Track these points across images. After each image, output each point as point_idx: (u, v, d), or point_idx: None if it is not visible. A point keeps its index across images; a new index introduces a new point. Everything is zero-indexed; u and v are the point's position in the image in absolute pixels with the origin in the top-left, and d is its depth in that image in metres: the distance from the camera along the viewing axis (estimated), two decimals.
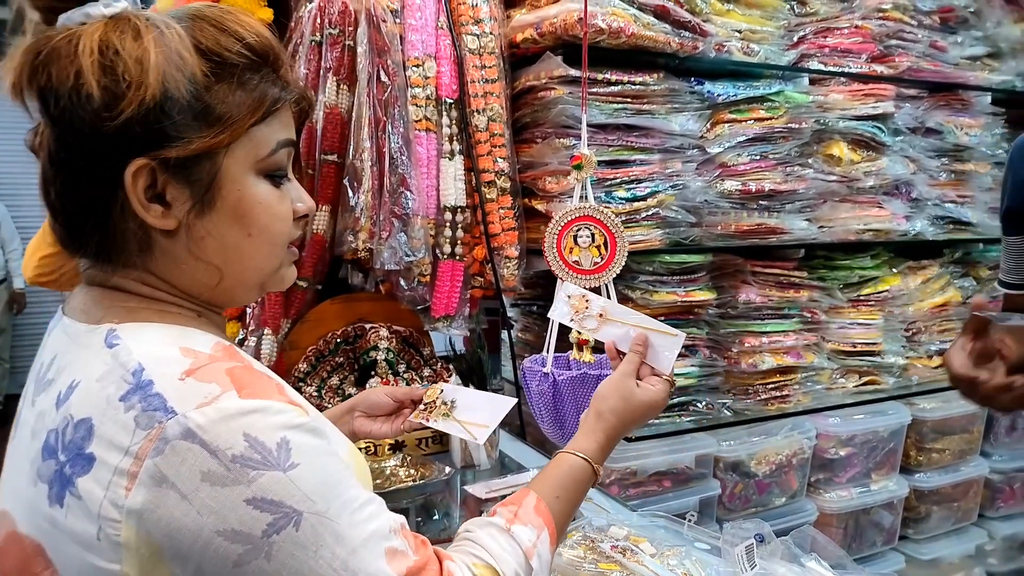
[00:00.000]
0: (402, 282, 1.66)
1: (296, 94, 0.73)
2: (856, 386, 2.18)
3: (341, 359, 1.70)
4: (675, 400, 1.88)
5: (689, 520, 1.22)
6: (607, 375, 1.05)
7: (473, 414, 1.05)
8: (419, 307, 1.74)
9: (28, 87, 0.64)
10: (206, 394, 0.60)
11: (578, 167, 1.16)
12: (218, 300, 0.74)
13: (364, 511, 0.65)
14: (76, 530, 0.60)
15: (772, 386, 2.04)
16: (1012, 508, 2.39)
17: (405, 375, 1.72)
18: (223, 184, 0.68)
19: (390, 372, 1.68)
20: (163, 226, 0.67)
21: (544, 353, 1.40)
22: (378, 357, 1.67)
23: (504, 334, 1.98)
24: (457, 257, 1.71)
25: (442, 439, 1.62)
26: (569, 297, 1.11)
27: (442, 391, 1.09)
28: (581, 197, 1.18)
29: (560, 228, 1.14)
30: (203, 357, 0.64)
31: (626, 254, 1.16)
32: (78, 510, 0.60)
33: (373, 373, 1.67)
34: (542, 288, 2.03)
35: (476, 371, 1.76)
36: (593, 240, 1.14)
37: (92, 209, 0.66)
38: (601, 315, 1.08)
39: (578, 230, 1.14)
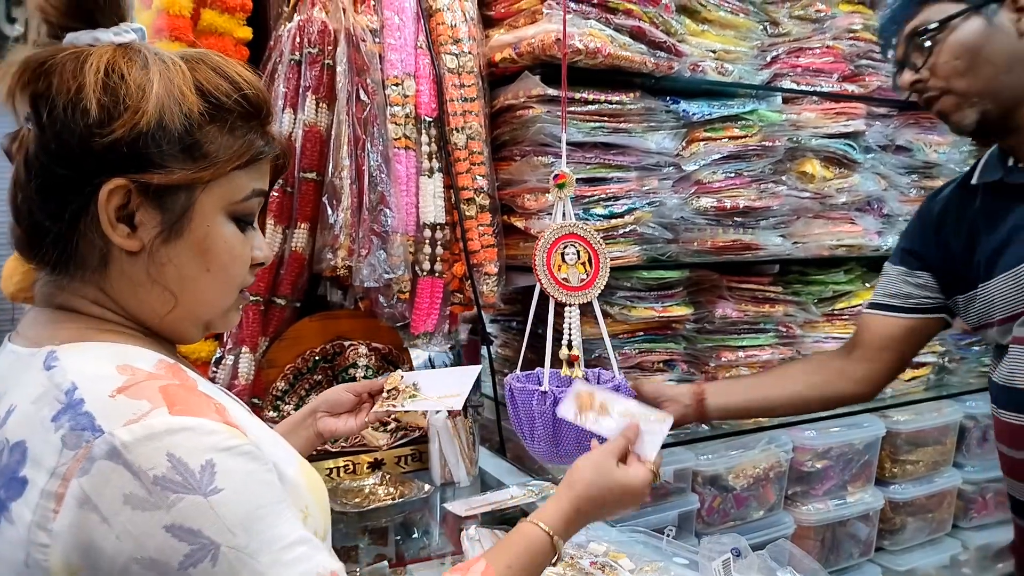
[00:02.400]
0: (382, 299, 1.66)
1: (278, 150, 0.77)
2: None
3: (320, 377, 1.69)
4: None
5: (667, 535, 1.23)
6: (608, 388, 1.05)
7: (440, 389, 1.04)
8: (399, 324, 1.74)
9: (22, 92, 0.66)
10: (135, 411, 0.59)
11: (561, 186, 1.18)
12: (163, 330, 0.74)
13: (291, 552, 0.61)
14: (7, 557, 0.58)
15: None
16: (985, 518, 2.42)
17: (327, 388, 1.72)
18: (194, 217, 0.70)
19: None
20: (127, 247, 0.68)
21: (518, 371, 1.41)
22: (357, 375, 1.66)
23: (484, 350, 1.98)
24: (436, 274, 1.72)
25: (422, 457, 1.62)
26: (578, 395, 1.09)
27: (402, 377, 1.08)
28: (563, 215, 1.20)
29: (549, 246, 1.15)
30: (140, 374, 0.63)
31: (609, 270, 1.17)
32: (11, 535, 0.58)
33: None
34: (521, 304, 2.04)
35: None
36: (579, 257, 1.15)
37: (60, 218, 0.67)
38: (601, 406, 1.07)
39: (564, 248, 1.16)
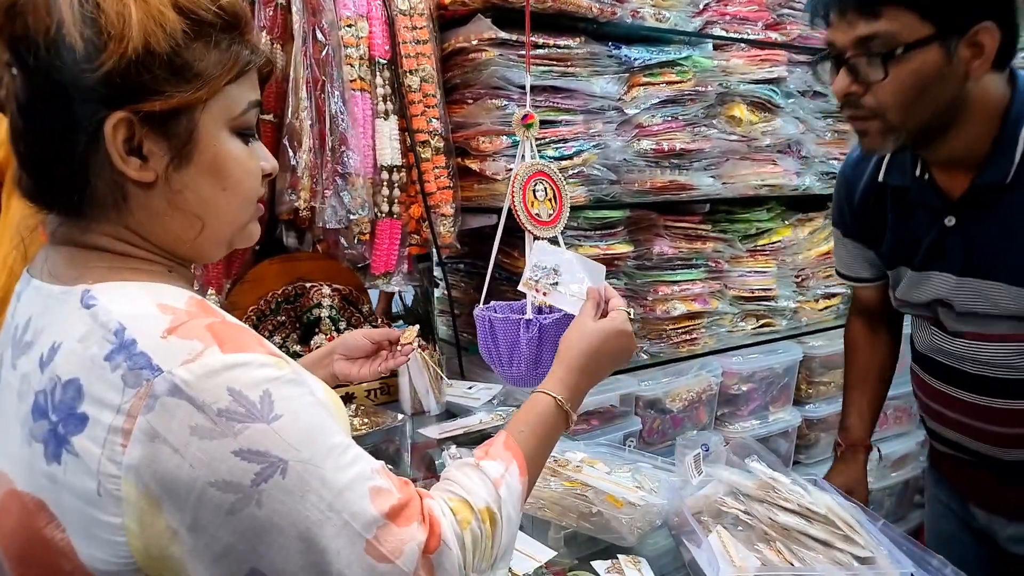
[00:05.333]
0: (342, 241, 1.70)
1: (263, 57, 0.75)
2: (754, 328, 2.39)
3: (283, 318, 1.72)
4: None
5: (629, 446, 1.35)
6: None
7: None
8: (359, 265, 1.79)
9: (1, 41, 0.65)
10: (189, 351, 0.62)
11: (529, 126, 1.25)
12: (190, 254, 0.76)
13: (347, 455, 0.67)
14: (76, 486, 0.62)
15: (682, 330, 2.21)
16: (885, 432, 2.69)
17: (346, 332, 1.77)
18: (200, 139, 0.70)
19: (333, 329, 1.72)
20: (142, 178, 0.68)
21: (481, 304, 1.49)
22: (322, 314, 1.70)
23: (438, 291, 2.05)
24: (394, 215, 1.77)
25: (390, 390, 1.69)
26: (535, 266, 1.14)
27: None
28: (531, 155, 1.27)
29: (523, 184, 1.23)
30: (181, 313, 0.65)
31: (570, 206, 1.26)
32: (76, 467, 0.61)
33: (317, 330, 1.71)
34: (469, 246, 2.11)
35: (424, 323, 1.83)
36: (547, 194, 1.23)
37: (68, 161, 0.66)
38: (554, 270, 1.15)
39: (535, 185, 1.23)
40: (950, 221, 1.19)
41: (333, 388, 1.37)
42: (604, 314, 1.03)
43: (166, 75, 0.66)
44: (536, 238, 1.26)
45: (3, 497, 0.68)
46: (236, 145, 0.73)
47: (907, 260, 1.30)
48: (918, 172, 1.23)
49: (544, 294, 1.11)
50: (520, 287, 1.13)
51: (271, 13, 1.59)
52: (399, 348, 1.17)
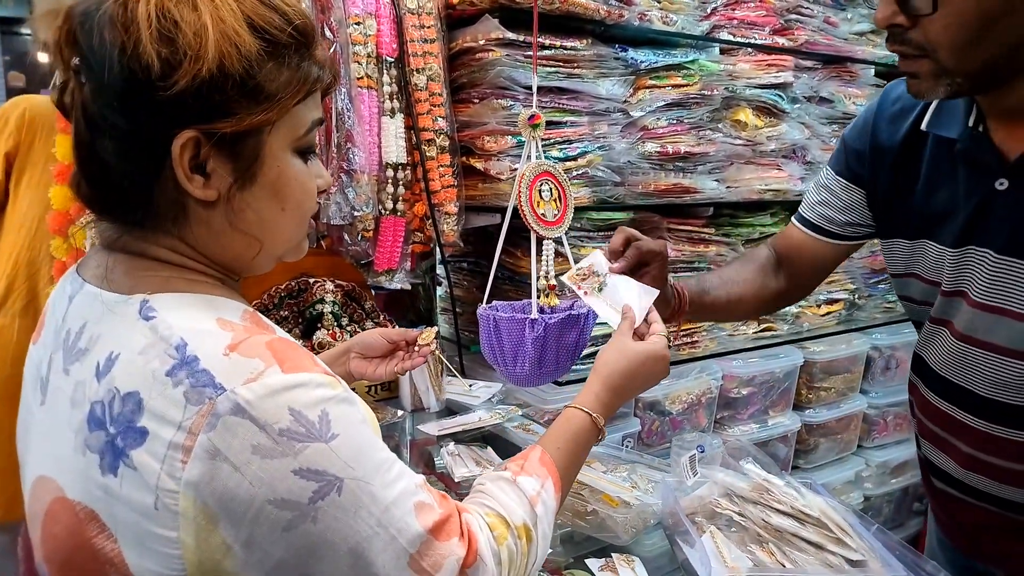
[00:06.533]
0: (346, 237, 1.71)
1: (331, 74, 0.74)
2: (755, 332, 2.40)
3: (286, 313, 1.74)
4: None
5: (626, 447, 1.36)
6: (584, 312, 1.14)
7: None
8: (362, 262, 1.80)
9: (71, 47, 0.65)
10: (251, 370, 0.63)
11: (535, 126, 1.25)
12: (243, 269, 0.76)
13: (392, 470, 0.68)
14: (132, 499, 0.62)
15: (683, 333, 2.22)
16: (885, 438, 2.70)
17: (348, 328, 1.78)
18: (265, 161, 0.69)
19: (336, 325, 1.73)
20: (205, 197, 0.68)
21: (484, 304, 1.50)
22: (324, 310, 1.72)
23: (441, 289, 2.06)
24: (399, 213, 1.78)
25: (391, 386, 1.70)
26: (590, 264, 1.15)
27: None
28: (536, 155, 1.27)
29: (530, 184, 1.23)
30: (240, 329, 0.66)
31: (574, 207, 1.27)
32: (133, 480, 0.62)
33: (320, 326, 1.72)
34: (472, 245, 2.12)
35: (425, 321, 1.84)
36: (552, 194, 1.24)
37: (131, 174, 0.67)
38: (599, 280, 1.15)
39: (541, 185, 1.24)
40: (1002, 185, 0.98)
41: None
42: (641, 335, 1.04)
43: (238, 96, 0.66)
44: (541, 238, 1.26)
45: (51, 504, 0.68)
46: (297, 165, 0.73)
47: (931, 232, 1.09)
48: (971, 122, 1.02)
49: (585, 293, 1.11)
50: (563, 278, 1.14)
51: None
52: (416, 349, 1.18)
